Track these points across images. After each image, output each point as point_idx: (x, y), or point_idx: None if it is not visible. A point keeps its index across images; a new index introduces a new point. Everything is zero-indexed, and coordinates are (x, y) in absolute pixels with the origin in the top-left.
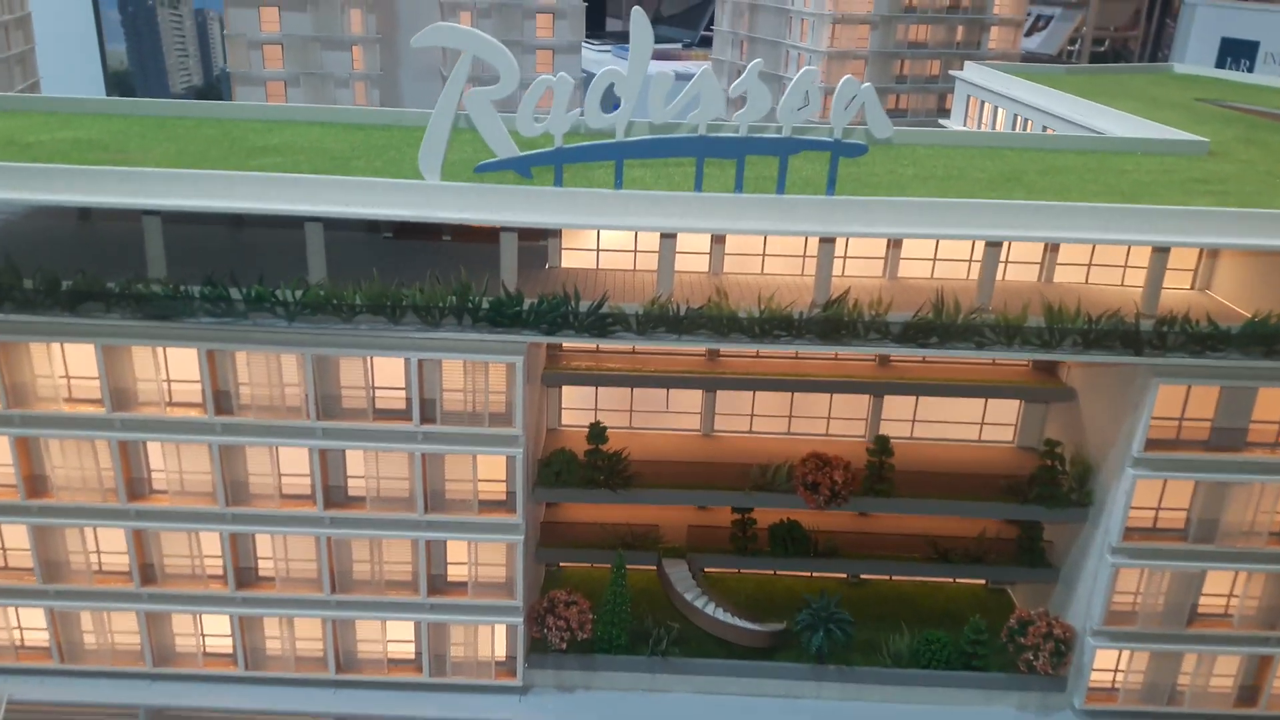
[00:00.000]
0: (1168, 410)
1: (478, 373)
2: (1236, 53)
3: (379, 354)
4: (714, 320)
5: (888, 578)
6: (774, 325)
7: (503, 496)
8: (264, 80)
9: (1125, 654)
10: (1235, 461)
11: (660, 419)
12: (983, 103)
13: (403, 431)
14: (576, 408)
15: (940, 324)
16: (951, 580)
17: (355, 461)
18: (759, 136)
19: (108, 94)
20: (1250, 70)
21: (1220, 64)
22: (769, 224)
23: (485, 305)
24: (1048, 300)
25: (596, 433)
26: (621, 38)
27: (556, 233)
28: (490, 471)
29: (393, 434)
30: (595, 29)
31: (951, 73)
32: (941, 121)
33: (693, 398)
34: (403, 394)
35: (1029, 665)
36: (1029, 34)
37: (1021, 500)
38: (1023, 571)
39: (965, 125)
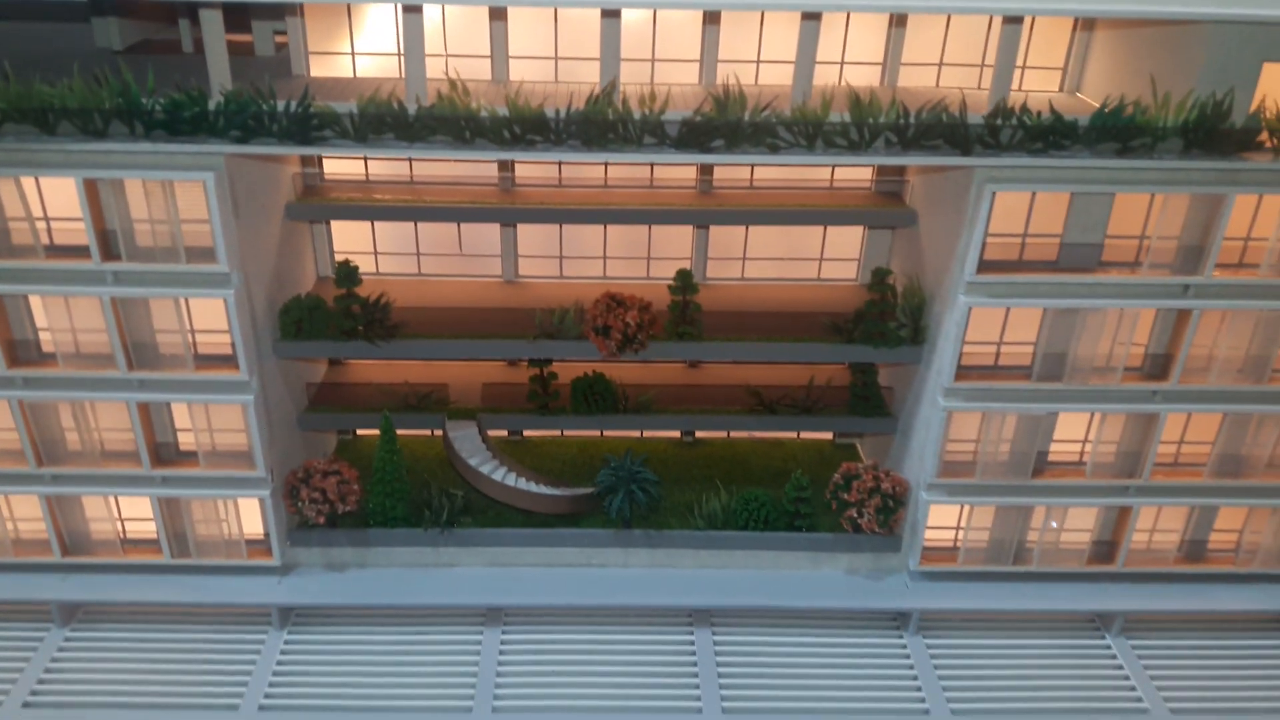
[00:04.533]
0: (1007, 225)
1: (164, 196)
2: None
3: (38, 173)
4: (451, 123)
5: (726, 434)
6: (526, 128)
7: (228, 350)
8: None
9: (965, 509)
10: (1087, 284)
11: (455, 264)
12: None
13: (85, 271)
14: (353, 251)
15: (724, 123)
16: (795, 435)
17: (38, 309)
18: None
19: None
20: None
21: None
22: None
23: (158, 109)
24: (854, 91)
25: (345, 274)
26: None
27: (293, 22)
28: (213, 321)
29: (73, 274)
30: None
31: None
32: None
33: (491, 237)
34: (82, 226)
35: (854, 524)
36: None
37: (845, 340)
38: (856, 422)
39: None
